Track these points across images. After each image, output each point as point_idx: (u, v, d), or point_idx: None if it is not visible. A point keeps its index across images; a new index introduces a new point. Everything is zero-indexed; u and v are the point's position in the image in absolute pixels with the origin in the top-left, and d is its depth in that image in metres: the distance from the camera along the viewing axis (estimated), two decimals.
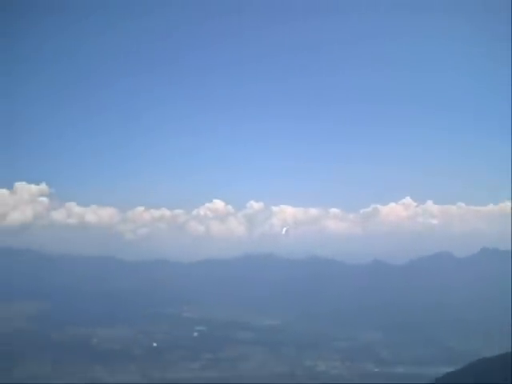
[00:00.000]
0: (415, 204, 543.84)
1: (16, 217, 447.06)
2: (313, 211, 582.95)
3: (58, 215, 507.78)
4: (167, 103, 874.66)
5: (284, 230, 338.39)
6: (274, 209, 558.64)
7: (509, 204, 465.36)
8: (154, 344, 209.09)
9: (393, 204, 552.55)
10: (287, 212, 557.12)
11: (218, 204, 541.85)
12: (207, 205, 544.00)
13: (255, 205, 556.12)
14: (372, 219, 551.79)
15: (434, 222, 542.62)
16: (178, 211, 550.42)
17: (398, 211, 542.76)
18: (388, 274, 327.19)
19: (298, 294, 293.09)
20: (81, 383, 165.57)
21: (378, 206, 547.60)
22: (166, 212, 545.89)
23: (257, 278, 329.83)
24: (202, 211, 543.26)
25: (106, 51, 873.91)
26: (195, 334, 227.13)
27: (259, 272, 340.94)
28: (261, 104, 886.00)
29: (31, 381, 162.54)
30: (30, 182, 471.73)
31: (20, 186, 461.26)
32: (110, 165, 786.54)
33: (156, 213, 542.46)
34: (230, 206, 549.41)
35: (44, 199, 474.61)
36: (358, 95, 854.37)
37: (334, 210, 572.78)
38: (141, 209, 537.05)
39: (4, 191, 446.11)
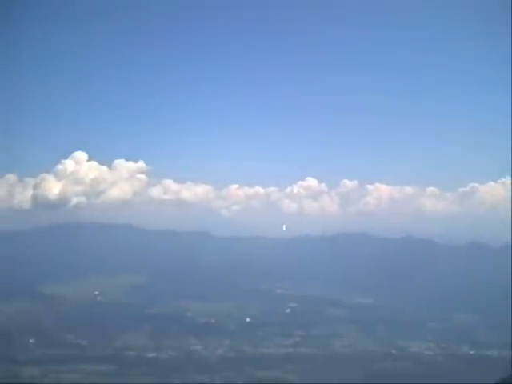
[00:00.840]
0: None
1: (116, 193, 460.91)
2: (408, 190, 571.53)
3: (155, 192, 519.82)
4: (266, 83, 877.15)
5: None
6: (369, 187, 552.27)
7: None
8: (247, 319, 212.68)
9: (492, 183, 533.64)
10: (382, 190, 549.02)
11: (312, 182, 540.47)
12: (300, 183, 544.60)
13: (349, 183, 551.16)
14: (470, 199, 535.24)
15: None
16: (271, 189, 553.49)
17: (497, 190, 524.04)
18: (486, 255, 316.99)
19: (392, 273, 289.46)
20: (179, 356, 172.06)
21: (477, 185, 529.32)
22: (260, 190, 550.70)
23: (350, 256, 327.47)
24: (295, 189, 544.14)
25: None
26: (288, 310, 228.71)
27: (352, 250, 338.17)
28: (360, 81, 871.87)
29: (129, 351, 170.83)
30: (128, 159, 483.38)
31: (119, 163, 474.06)
32: (205, 144, 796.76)
33: (250, 190, 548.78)
34: (323, 184, 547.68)
35: (142, 176, 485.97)
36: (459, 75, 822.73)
37: (430, 189, 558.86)
38: (235, 186, 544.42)
39: (104, 168, 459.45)
